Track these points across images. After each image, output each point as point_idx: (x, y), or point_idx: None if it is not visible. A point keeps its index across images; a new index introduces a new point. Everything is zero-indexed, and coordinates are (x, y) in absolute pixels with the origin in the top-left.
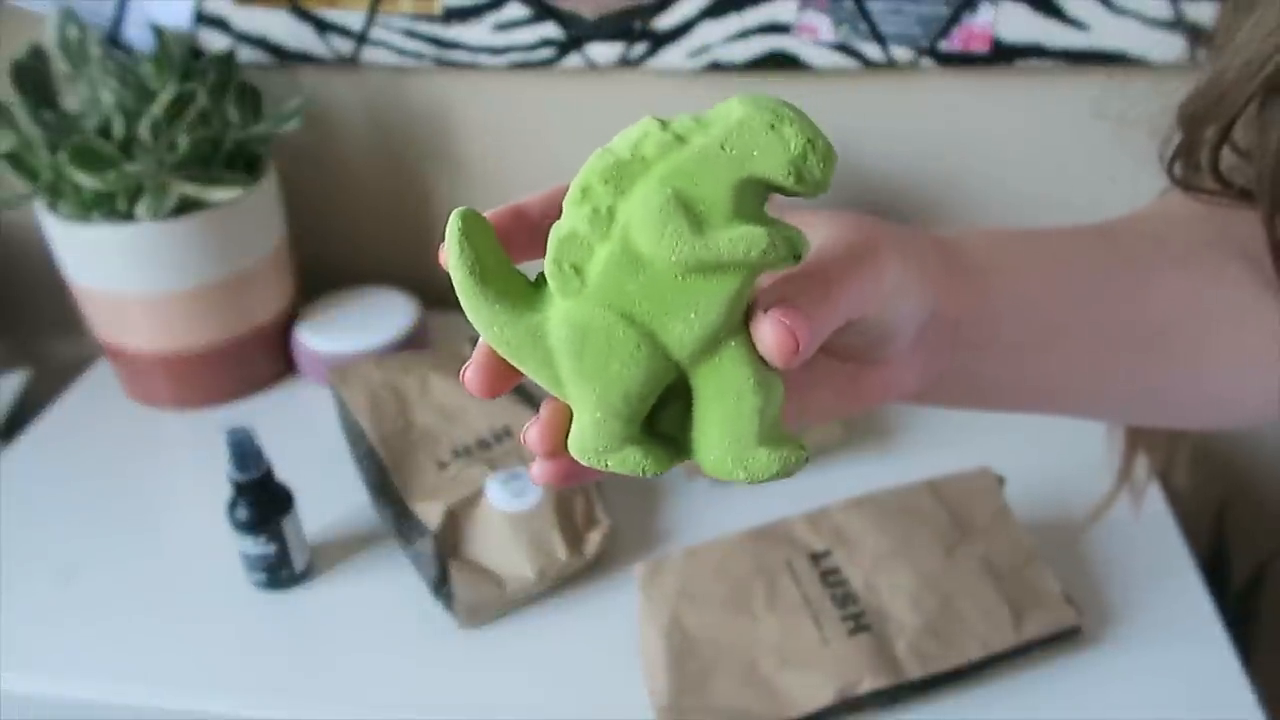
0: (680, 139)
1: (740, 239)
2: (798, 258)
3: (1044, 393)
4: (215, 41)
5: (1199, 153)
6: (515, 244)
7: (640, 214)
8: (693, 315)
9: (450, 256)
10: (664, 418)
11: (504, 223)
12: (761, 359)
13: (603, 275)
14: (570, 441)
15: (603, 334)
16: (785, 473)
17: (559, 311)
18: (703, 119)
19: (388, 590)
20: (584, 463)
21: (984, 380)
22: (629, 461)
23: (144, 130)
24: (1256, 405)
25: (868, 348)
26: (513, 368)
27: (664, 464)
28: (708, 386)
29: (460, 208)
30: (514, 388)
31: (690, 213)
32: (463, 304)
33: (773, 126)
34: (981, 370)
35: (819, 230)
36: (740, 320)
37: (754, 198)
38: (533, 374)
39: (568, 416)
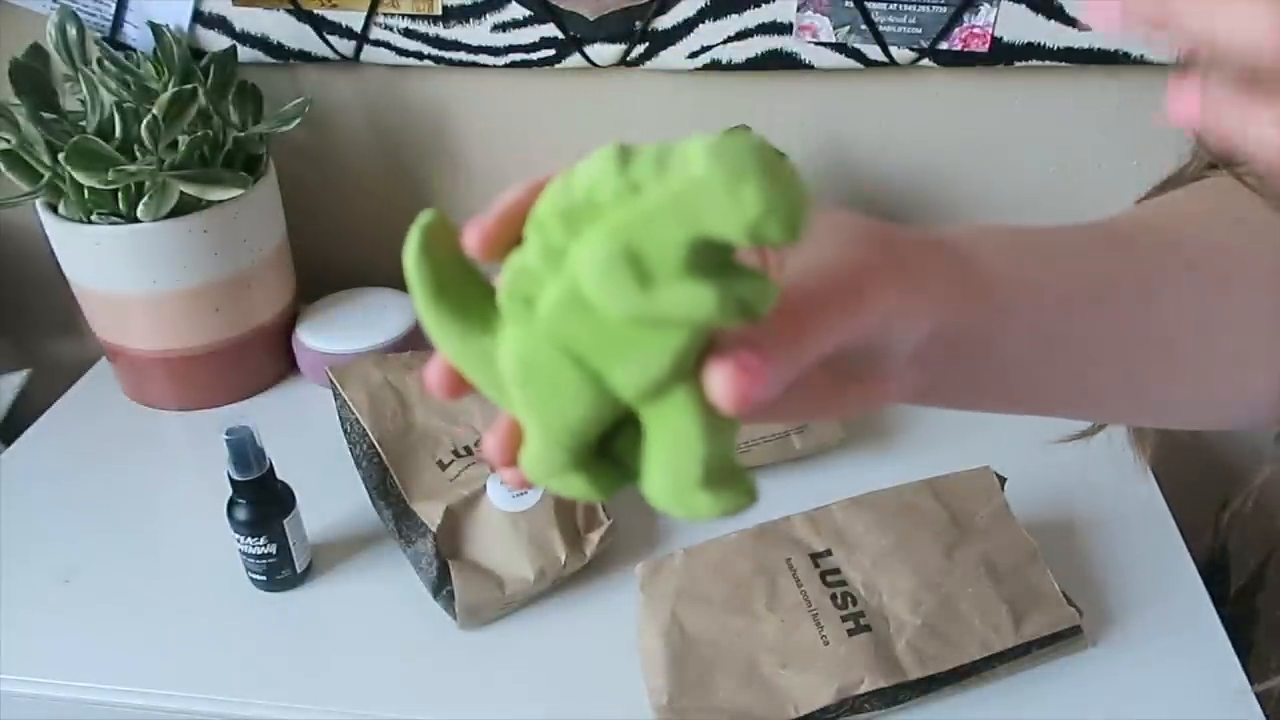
0: (635, 189)
1: (686, 300)
2: (755, 316)
3: (1040, 399)
4: (215, 41)
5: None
6: (508, 244)
7: (587, 262)
8: (637, 363)
9: (408, 269)
10: (617, 441)
11: (497, 229)
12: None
13: (551, 312)
14: (521, 461)
15: (547, 370)
16: (727, 515)
17: (508, 341)
18: (664, 162)
19: (388, 590)
20: (532, 481)
21: (983, 387)
22: (572, 488)
23: (144, 130)
24: (1258, 411)
25: (853, 366)
26: None
27: (609, 490)
28: (655, 426)
29: (425, 214)
30: None
31: (638, 268)
32: (419, 316)
33: (732, 189)
34: (981, 378)
35: (812, 244)
36: (691, 366)
37: (713, 251)
38: (483, 390)
39: (520, 430)
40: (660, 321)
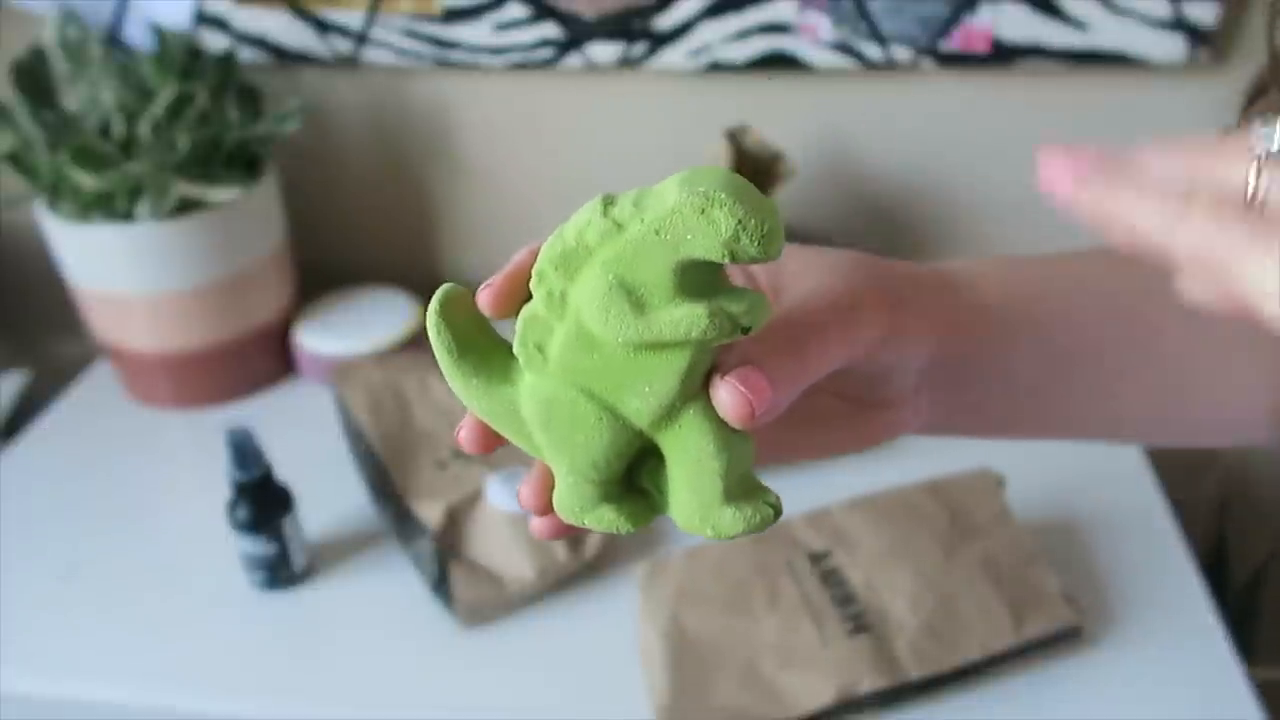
0: (619, 226)
1: (680, 320)
2: (746, 330)
3: (1056, 423)
4: (215, 41)
5: None
6: (518, 300)
7: (586, 299)
8: (647, 389)
9: (430, 336)
10: (643, 472)
11: (506, 286)
12: (724, 421)
13: (561, 354)
14: (553, 500)
15: (566, 408)
16: (752, 530)
17: (526, 386)
18: (642, 201)
19: (388, 590)
20: (565, 520)
21: (994, 414)
22: (604, 520)
23: (144, 130)
24: (1268, 430)
25: (862, 391)
26: None
27: (639, 520)
28: (672, 450)
29: (443, 287)
30: None
31: (631, 297)
32: (446, 378)
33: (703, 211)
34: (991, 405)
35: (808, 276)
36: (699, 386)
37: (701, 273)
38: (513, 439)
39: (552, 476)
40: (660, 344)
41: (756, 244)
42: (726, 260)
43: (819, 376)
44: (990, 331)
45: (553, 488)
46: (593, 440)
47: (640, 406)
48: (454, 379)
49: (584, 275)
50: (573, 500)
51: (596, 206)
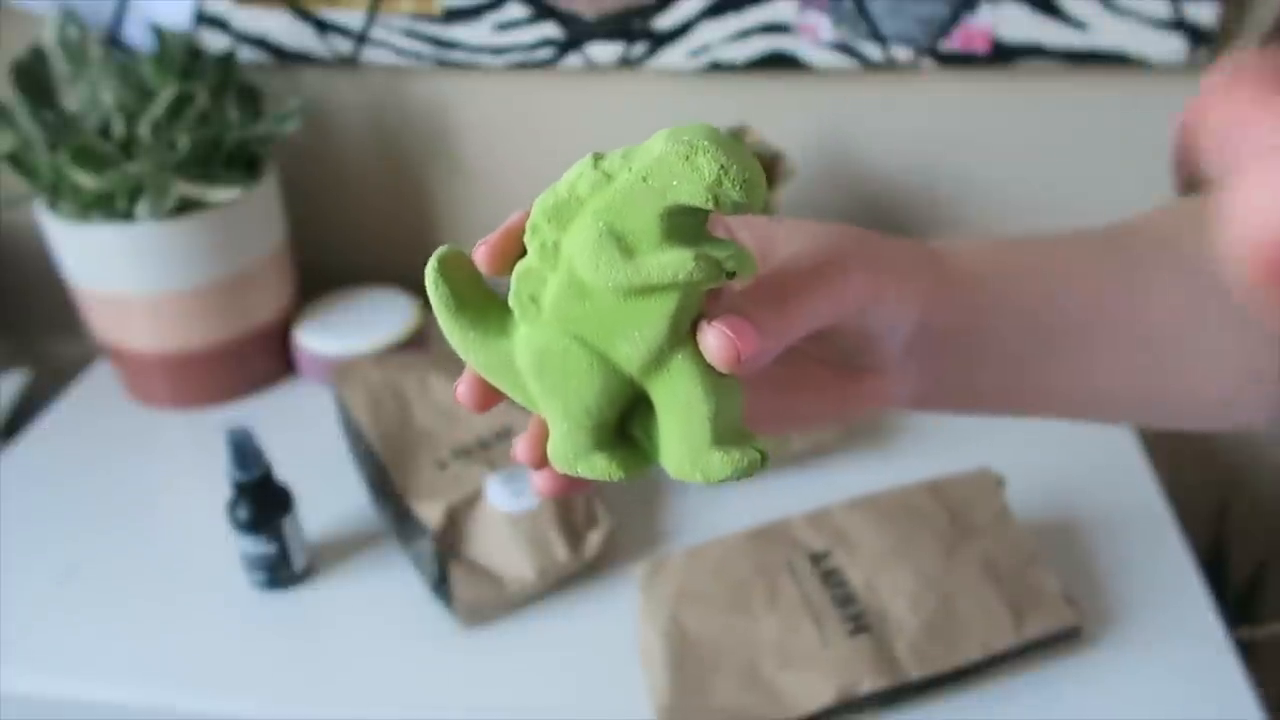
0: (609, 176)
1: (668, 264)
2: (730, 275)
3: (1042, 399)
4: (215, 41)
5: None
6: (513, 257)
7: (578, 247)
8: (636, 334)
9: (429, 292)
10: (635, 422)
11: (501, 243)
12: (712, 366)
13: (555, 303)
14: (548, 451)
15: (559, 356)
16: (740, 474)
17: (521, 337)
18: (631, 154)
19: (388, 590)
20: (559, 470)
21: (982, 387)
22: (597, 467)
23: (144, 130)
24: (1256, 413)
25: (848, 355)
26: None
27: (631, 468)
28: (662, 396)
29: (441, 247)
30: None
31: (621, 243)
32: (445, 333)
33: (687, 158)
34: (978, 378)
35: (797, 241)
36: (687, 333)
37: (687, 222)
38: (509, 392)
39: (547, 429)
40: (649, 289)
41: (738, 189)
42: (710, 205)
43: (805, 331)
44: (975, 302)
45: (548, 439)
46: (585, 387)
47: (630, 352)
48: (452, 333)
49: (576, 225)
50: (566, 448)
51: (588, 161)
